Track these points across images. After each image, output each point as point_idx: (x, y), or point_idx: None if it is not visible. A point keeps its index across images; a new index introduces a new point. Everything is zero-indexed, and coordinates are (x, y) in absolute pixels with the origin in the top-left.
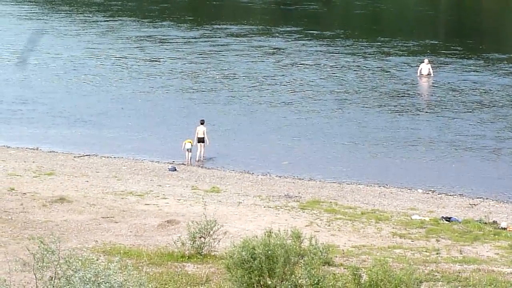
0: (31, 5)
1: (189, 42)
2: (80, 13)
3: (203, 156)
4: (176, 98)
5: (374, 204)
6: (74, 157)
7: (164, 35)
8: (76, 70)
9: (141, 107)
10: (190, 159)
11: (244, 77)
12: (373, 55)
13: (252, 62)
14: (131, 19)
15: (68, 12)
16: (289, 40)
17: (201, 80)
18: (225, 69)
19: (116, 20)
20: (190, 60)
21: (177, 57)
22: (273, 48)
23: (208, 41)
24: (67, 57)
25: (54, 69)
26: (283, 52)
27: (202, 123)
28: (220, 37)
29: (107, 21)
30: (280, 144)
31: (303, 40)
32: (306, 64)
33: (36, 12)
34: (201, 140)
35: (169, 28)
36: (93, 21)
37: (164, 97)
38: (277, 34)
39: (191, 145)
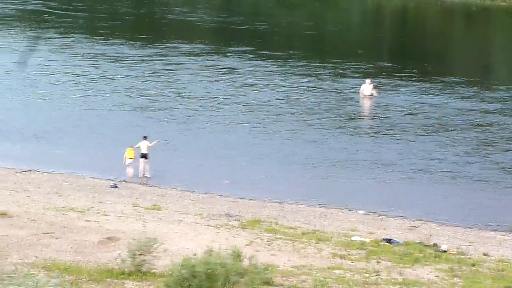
0: None
1: (142, 60)
2: (32, 30)
3: (147, 172)
4: (127, 116)
5: (314, 224)
6: (16, 172)
7: (117, 53)
8: (28, 86)
9: (90, 124)
10: (133, 174)
11: (197, 97)
12: (325, 76)
13: (206, 81)
14: (83, 36)
15: (21, 28)
16: (242, 59)
17: (154, 98)
18: (179, 88)
19: (68, 37)
20: (144, 79)
21: (131, 75)
22: (226, 68)
23: (161, 59)
24: (20, 73)
25: (6, 85)
26: (236, 71)
27: (145, 139)
28: (173, 56)
29: (59, 38)
30: (224, 163)
31: (256, 60)
32: (260, 85)
33: None
34: (144, 155)
35: (121, 46)
36: (46, 38)
37: (115, 115)
38: (229, 54)
39: (134, 157)
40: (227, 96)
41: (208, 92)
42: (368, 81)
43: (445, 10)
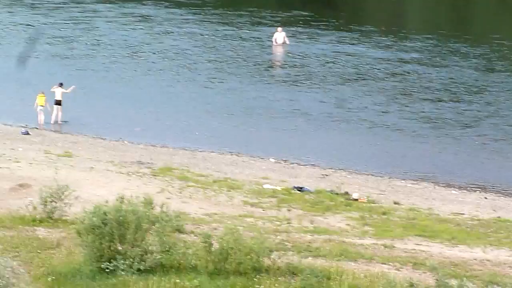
0: None
1: (57, 7)
2: None
3: (59, 119)
4: (43, 63)
5: (226, 172)
6: None
7: (34, 0)
8: None
9: (5, 71)
10: (42, 120)
11: (114, 45)
12: (242, 25)
13: (123, 29)
14: None
15: None
16: (157, 7)
17: (70, 46)
18: (96, 36)
19: None
20: (60, 26)
21: (47, 22)
22: (142, 15)
23: (77, 6)
24: None
25: None
26: (152, 19)
27: (60, 85)
28: (88, 3)
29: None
30: (136, 110)
31: (172, 8)
32: (176, 32)
33: None
34: (58, 102)
35: None
36: None
37: (31, 62)
38: (145, 1)
39: (44, 104)
40: (143, 44)
41: (124, 40)
42: (279, 29)
43: None
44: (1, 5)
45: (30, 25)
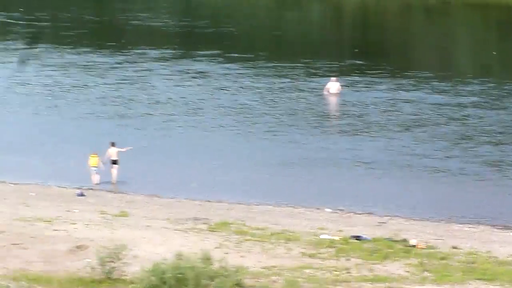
0: None
1: (112, 67)
2: (1, 42)
3: (115, 178)
4: (99, 124)
5: (283, 224)
6: None
7: (86, 61)
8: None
9: (61, 133)
10: (97, 180)
11: (171, 102)
12: (296, 76)
13: (178, 86)
14: (51, 46)
15: None
16: (212, 63)
17: (126, 105)
18: (151, 94)
19: (36, 47)
20: (115, 86)
21: (102, 83)
22: (197, 72)
23: (131, 66)
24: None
25: None
26: (207, 75)
27: (112, 145)
28: (142, 62)
29: (27, 48)
30: (191, 167)
31: (226, 63)
32: (232, 87)
33: None
34: (114, 162)
35: (90, 54)
36: (14, 49)
37: (87, 123)
38: (199, 58)
39: (98, 165)
40: (200, 100)
41: (181, 97)
42: (333, 78)
43: (405, 4)
44: (56, 67)
45: (87, 86)
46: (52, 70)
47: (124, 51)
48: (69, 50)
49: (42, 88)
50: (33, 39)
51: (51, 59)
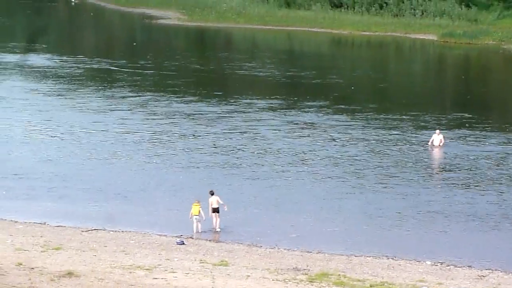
0: (57, 83)
1: (220, 116)
2: (108, 89)
3: (218, 227)
4: (205, 172)
5: (382, 276)
6: (82, 231)
7: (194, 110)
8: (106, 146)
9: (168, 182)
10: (199, 229)
11: (280, 152)
12: (406, 128)
13: (288, 137)
14: (158, 94)
15: (94, 88)
16: (321, 114)
17: (235, 155)
18: (261, 144)
19: (143, 95)
20: (224, 136)
21: (211, 131)
22: (306, 123)
23: (240, 115)
24: (100, 132)
25: (84, 145)
26: (317, 126)
27: (212, 194)
28: (250, 111)
29: (133, 96)
30: (289, 216)
31: (335, 114)
32: (342, 138)
33: (64, 89)
34: (215, 210)
35: (197, 103)
36: (121, 96)
37: (195, 172)
38: (306, 108)
39: (199, 213)
40: (308, 151)
41: (290, 148)
42: (437, 131)
43: (508, 58)
44: (164, 116)
45: (195, 135)
46: (159, 119)
47: (231, 100)
48: (176, 99)
49: (150, 136)
50: (140, 87)
51: (158, 108)
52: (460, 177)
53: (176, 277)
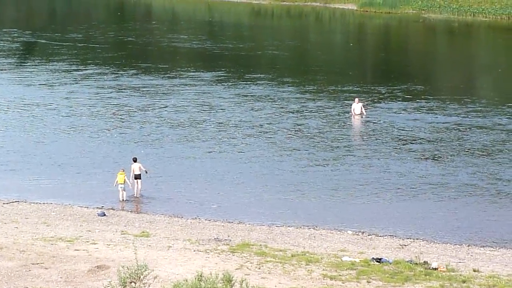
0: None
1: (173, 90)
2: (50, 63)
3: (140, 192)
4: (117, 143)
5: (304, 246)
6: (3, 203)
7: (144, 84)
8: (40, 119)
9: (68, 151)
10: (124, 197)
11: (193, 123)
12: (318, 98)
13: (239, 109)
14: (103, 68)
15: (38, 62)
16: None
17: (196, 128)
18: (216, 117)
19: (87, 69)
20: (181, 108)
21: (169, 104)
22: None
23: (191, 89)
24: (36, 105)
25: (23, 119)
26: (246, 97)
27: (135, 161)
28: (201, 85)
29: (78, 70)
30: (211, 187)
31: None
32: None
33: (5, 63)
34: (137, 176)
35: (145, 76)
36: (64, 70)
37: (80, 140)
38: (252, 80)
39: (124, 182)
40: (229, 119)
41: (241, 120)
42: (356, 100)
43: (428, 27)
44: (113, 89)
45: (146, 109)
46: (109, 93)
47: (177, 73)
48: (121, 72)
49: (101, 110)
50: (82, 61)
51: (106, 81)
52: (380, 146)
53: (97, 248)
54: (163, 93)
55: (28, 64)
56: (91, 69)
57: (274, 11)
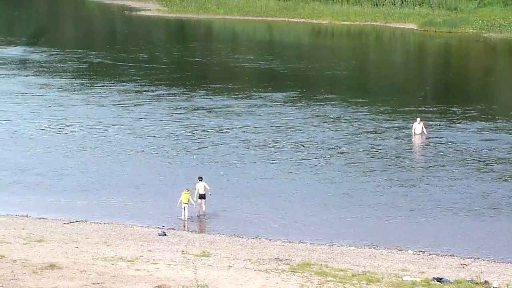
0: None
1: (247, 111)
2: (119, 84)
3: (203, 212)
4: (164, 162)
5: (364, 265)
6: (64, 223)
7: (218, 105)
8: (69, 138)
9: (129, 171)
10: (186, 217)
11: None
12: (379, 117)
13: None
14: (173, 88)
15: (110, 83)
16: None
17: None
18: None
19: (158, 90)
20: (255, 130)
21: (242, 126)
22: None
23: (265, 108)
24: (73, 124)
25: (49, 137)
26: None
27: (200, 180)
28: (273, 105)
29: (148, 90)
30: (271, 206)
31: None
32: (323, 126)
33: (76, 84)
34: (202, 196)
35: (218, 97)
36: (135, 91)
37: (151, 161)
38: (323, 101)
39: (188, 201)
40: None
41: (311, 140)
42: (418, 119)
43: (488, 46)
44: (186, 110)
45: (219, 129)
46: (183, 113)
47: (248, 93)
48: (190, 93)
49: (180, 131)
50: (151, 81)
51: (180, 102)
52: (443, 165)
53: (158, 268)
54: (236, 114)
55: (99, 84)
56: (162, 89)
57: (334, 31)
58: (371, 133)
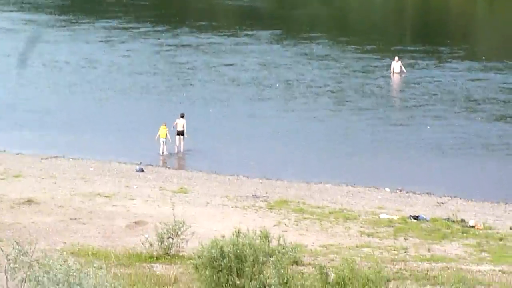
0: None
1: (233, 49)
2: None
3: (182, 149)
4: (151, 99)
5: (342, 203)
6: (41, 159)
7: (205, 42)
8: (56, 75)
9: (114, 108)
10: (164, 151)
11: (232, 81)
12: (358, 57)
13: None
14: (159, 25)
15: (96, 20)
16: (271, 43)
17: (186, 81)
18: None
19: (143, 27)
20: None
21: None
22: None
23: (255, 45)
24: (59, 61)
25: (36, 73)
26: (267, 53)
27: (182, 116)
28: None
29: (139, 28)
30: (249, 144)
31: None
32: (305, 63)
33: (29, 19)
34: (180, 133)
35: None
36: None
37: (138, 99)
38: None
39: (166, 136)
40: (259, 76)
41: (252, 78)
42: (396, 58)
43: None
44: (171, 47)
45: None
46: (172, 50)
47: (233, 32)
48: (178, 30)
49: (167, 68)
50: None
51: (166, 40)
52: (434, 104)
53: (135, 204)
54: (223, 51)
55: (83, 21)
56: (147, 26)
57: None
58: (359, 72)
